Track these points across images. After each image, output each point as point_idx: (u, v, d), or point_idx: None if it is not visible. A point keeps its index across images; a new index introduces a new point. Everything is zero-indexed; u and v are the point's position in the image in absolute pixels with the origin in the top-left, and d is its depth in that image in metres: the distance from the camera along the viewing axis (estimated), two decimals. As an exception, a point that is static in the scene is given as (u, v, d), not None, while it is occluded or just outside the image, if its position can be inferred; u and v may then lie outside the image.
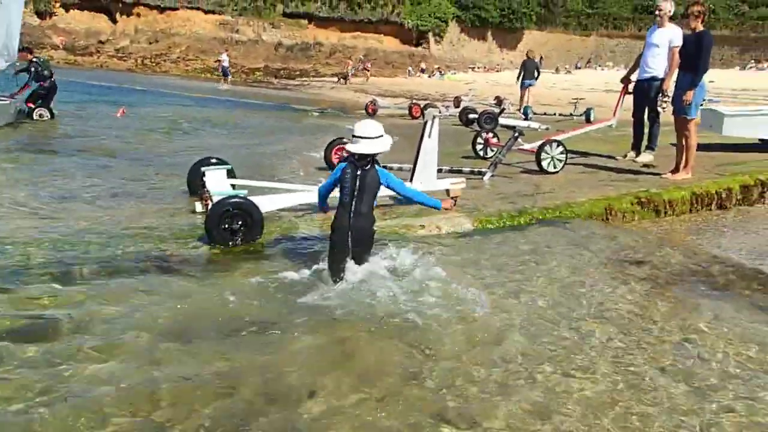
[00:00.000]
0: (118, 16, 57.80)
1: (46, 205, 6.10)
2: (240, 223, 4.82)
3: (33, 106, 12.93)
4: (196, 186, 6.27)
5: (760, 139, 10.45)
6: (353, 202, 4.07)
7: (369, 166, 4.11)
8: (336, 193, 4.28)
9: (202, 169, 6.09)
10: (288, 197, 5.73)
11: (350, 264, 4.07)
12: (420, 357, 3.25)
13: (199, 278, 4.25)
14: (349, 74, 41.75)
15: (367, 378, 3.04)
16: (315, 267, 4.24)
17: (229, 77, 35.68)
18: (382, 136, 4.13)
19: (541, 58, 59.50)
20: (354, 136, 4.11)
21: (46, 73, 13.07)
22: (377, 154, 4.15)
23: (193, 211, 5.71)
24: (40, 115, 12.92)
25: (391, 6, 58.54)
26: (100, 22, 57.97)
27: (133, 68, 50.91)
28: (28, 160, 8.61)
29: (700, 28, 7.39)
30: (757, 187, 7.38)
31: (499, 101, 18.30)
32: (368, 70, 45.80)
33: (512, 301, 4.04)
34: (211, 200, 5.26)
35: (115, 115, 14.53)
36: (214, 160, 6.40)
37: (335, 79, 43.62)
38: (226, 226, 4.79)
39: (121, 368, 3.01)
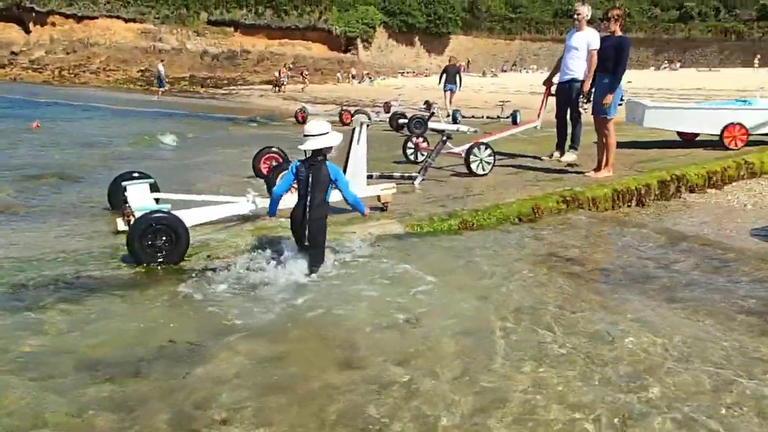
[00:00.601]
0: (31, 25, 55.40)
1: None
2: (164, 239, 4.64)
3: None
4: (117, 202, 6.03)
5: (678, 132, 10.94)
6: (308, 196, 4.44)
7: (320, 162, 4.48)
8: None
9: (123, 183, 5.85)
10: (215, 210, 5.58)
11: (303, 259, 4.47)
12: (346, 369, 3.20)
13: (121, 300, 4.06)
14: (284, 82, 41.10)
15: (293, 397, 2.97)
16: (240, 282, 4.14)
17: (163, 89, 34.34)
18: (328, 133, 4.51)
19: (468, 62, 60.82)
20: (305, 135, 4.50)
21: None
22: (327, 149, 4.53)
23: (116, 231, 5.47)
24: None
25: (318, 13, 58.51)
26: (12, 32, 55.39)
27: (50, 80, 48.96)
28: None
29: (619, 32, 7.66)
30: (674, 183, 7.70)
31: (428, 105, 18.54)
32: (306, 77, 45.39)
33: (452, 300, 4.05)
34: (134, 216, 5.06)
35: (31, 126, 13.88)
36: (136, 174, 6.19)
37: (270, 87, 43.03)
38: (150, 242, 4.61)
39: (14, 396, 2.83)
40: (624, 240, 5.72)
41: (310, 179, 4.45)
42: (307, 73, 47.45)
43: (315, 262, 4.52)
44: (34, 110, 19.40)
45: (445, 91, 19.31)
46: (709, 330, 3.68)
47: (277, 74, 42.91)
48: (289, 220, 4.64)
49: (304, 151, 4.52)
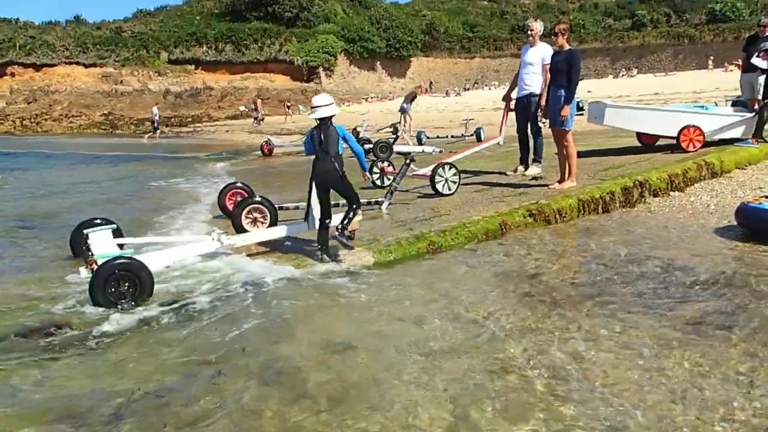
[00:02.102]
0: (-11, 77, 54.68)
1: None
2: (127, 285, 4.56)
3: None
4: (80, 250, 5.93)
5: (637, 137, 11.11)
6: (322, 153, 5.62)
7: (328, 124, 5.65)
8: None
9: (85, 231, 5.76)
10: (180, 251, 5.52)
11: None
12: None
13: (84, 352, 3.96)
14: (260, 114, 40.49)
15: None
16: (206, 322, 4.08)
17: (158, 132, 34.16)
18: (332, 103, 5.74)
19: (431, 83, 61.52)
20: (312, 107, 5.66)
21: None
22: (332, 116, 5.68)
23: (77, 277, 5.35)
24: None
25: (279, 45, 58.72)
26: (-30, 85, 54.64)
27: (12, 130, 48.27)
28: None
29: (567, 45, 7.80)
30: (637, 188, 7.78)
31: (395, 129, 18.68)
32: (289, 108, 45.18)
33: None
34: (96, 264, 4.97)
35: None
36: (98, 221, 6.10)
37: (233, 121, 42.54)
38: (113, 290, 4.52)
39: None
40: (588, 252, 5.75)
41: (322, 138, 5.61)
42: (290, 104, 47.33)
43: (351, 205, 5.80)
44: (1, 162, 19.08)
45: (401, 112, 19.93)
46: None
47: (253, 106, 42.50)
48: (312, 174, 5.74)
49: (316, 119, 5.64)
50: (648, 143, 10.94)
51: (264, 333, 4.08)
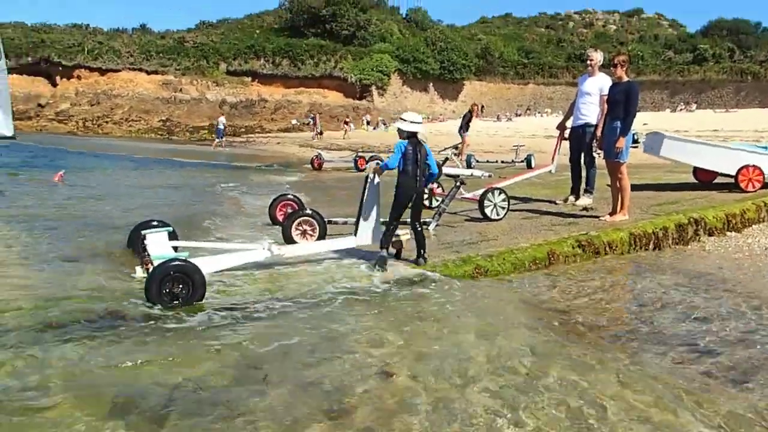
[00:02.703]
0: (58, 79, 57.09)
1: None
2: (181, 286, 4.70)
3: None
4: (137, 249, 6.13)
5: (694, 173, 10.87)
6: (417, 170, 5.87)
7: (420, 142, 5.93)
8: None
9: (143, 232, 5.96)
10: (231, 257, 5.64)
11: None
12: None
13: (139, 344, 4.09)
14: (318, 128, 41.30)
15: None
16: (255, 328, 4.16)
17: (223, 139, 35.43)
18: (423, 122, 6.16)
19: (482, 107, 61.48)
20: (411, 121, 5.94)
21: None
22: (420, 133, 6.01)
23: (136, 277, 5.54)
24: None
25: (334, 61, 59.62)
26: (40, 86, 57.10)
27: (75, 131, 50.13)
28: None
29: (625, 77, 7.74)
30: (691, 226, 7.63)
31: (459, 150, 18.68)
32: (348, 124, 45.93)
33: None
34: (152, 264, 5.14)
35: (53, 180, 14.17)
36: (155, 223, 6.29)
37: (286, 133, 43.36)
38: (167, 290, 4.67)
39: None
40: (637, 289, 5.64)
41: (418, 156, 5.84)
42: (348, 120, 48.02)
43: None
44: (60, 161, 19.80)
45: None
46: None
47: (311, 120, 43.43)
48: (400, 189, 5.94)
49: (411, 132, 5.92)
50: (705, 180, 10.69)
51: (309, 345, 4.14)
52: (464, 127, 19.46)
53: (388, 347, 4.11)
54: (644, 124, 27.64)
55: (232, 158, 26.03)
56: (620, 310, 5.15)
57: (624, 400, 3.34)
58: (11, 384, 3.42)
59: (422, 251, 6.03)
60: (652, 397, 3.39)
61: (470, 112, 19.73)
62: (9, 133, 13.20)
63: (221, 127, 35.48)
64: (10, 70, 55.20)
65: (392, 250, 6.25)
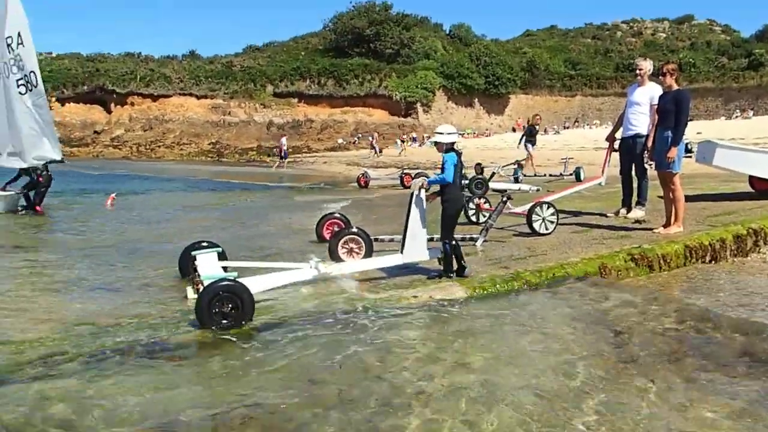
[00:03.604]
0: (112, 106, 59.24)
1: (36, 300, 6.02)
2: (230, 306, 4.76)
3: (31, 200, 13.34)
4: (187, 271, 6.25)
5: (750, 182, 10.50)
6: (460, 180, 6.08)
7: (459, 153, 6.04)
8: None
9: (193, 253, 6.08)
10: (280, 277, 5.69)
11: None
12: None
13: (191, 366, 4.15)
14: (377, 147, 42.18)
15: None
16: (305, 346, 4.17)
17: (286, 159, 36.43)
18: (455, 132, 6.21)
19: (538, 118, 60.99)
20: (448, 133, 6.01)
21: (39, 165, 13.40)
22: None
23: (187, 298, 5.65)
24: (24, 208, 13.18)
25: (378, 80, 60.08)
26: (95, 113, 59.39)
27: (129, 156, 51.78)
28: (20, 254, 8.58)
29: (675, 86, 7.55)
30: (750, 237, 7.35)
31: (519, 166, 18.59)
32: (404, 142, 46.52)
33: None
34: (202, 284, 5.22)
35: (105, 205, 14.58)
36: (205, 244, 6.41)
37: (333, 152, 44.21)
38: (217, 310, 4.73)
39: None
40: (691, 308, 5.38)
41: (461, 167, 6.04)
42: (404, 137, 48.59)
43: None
44: (114, 185, 20.46)
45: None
46: None
47: (371, 139, 44.35)
48: (449, 203, 5.99)
49: (441, 144, 6.00)
50: (762, 189, 10.29)
51: (361, 359, 4.12)
52: (530, 140, 19.12)
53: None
54: (698, 132, 26.86)
55: (282, 178, 26.40)
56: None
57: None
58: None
59: (463, 262, 6.02)
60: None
61: (533, 123, 19.40)
62: (58, 157, 13.86)
63: (284, 147, 36.53)
64: (68, 99, 57.97)
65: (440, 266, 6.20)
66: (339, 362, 4.08)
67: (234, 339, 4.58)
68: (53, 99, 56.97)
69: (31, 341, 4.56)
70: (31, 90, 13.44)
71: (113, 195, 15.34)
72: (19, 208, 13.18)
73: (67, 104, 58.49)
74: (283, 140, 38.58)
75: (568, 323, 4.91)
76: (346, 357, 4.18)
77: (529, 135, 19.15)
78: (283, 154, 36.94)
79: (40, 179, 13.32)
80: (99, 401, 3.59)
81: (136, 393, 3.69)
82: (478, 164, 18.55)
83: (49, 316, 5.36)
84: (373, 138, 43.64)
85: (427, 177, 6.71)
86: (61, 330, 4.88)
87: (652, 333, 4.64)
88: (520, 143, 19.89)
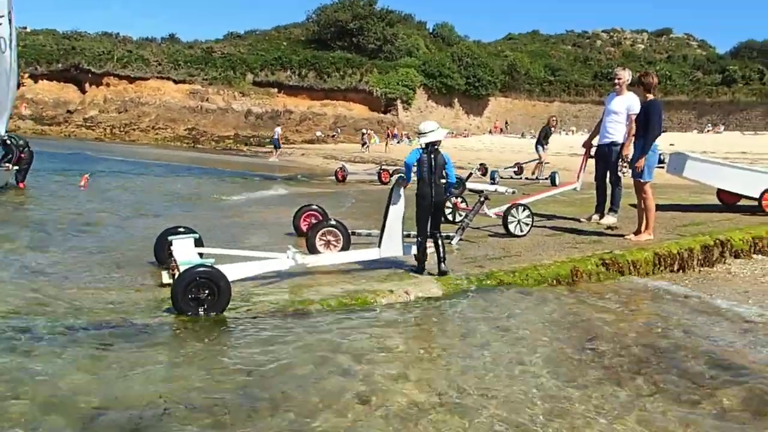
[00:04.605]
0: (87, 86, 58.18)
1: (8, 281, 5.94)
2: (207, 292, 4.76)
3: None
4: (163, 256, 6.23)
5: (718, 195, 10.74)
6: (432, 177, 5.91)
7: (437, 150, 5.97)
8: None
9: (169, 238, 6.05)
10: (256, 265, 5.71)
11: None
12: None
13: (165, 350, 4.15)
14: (368, 143, 42.03)
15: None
16: (280, 339, 4.20)
17: (279, 150, 35.84)
18: (438, 128, 6.09)
19: (506, 123, 61.42)
20: (420, 133, 6.03)
21: (21, 143, 13.22)
22: (439, 141, 6.03)
23: (161, 283, 5.64)
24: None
25: (360, 75, 59.98)
26: (69, 92, 58.28)
27: (102, 137, 50.92)
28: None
29: (649, 96, 7.72)
30: (717, 248, 7.54)
31: (519, 169, 18.58)
32: (390, 137, 46.59)
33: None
34: (178, 270, 5.21)
35: (78, 185, 14.44)
36: (181, 230, 6.38)
37: (310, 145, 44.15)
38: (193, 295, 4.73)
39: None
40: (657, 315, 5.51)
41: (433, 163, 5.90)
42: (392, 131, 48.73)
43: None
44: (88, 165, 20.16)
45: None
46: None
47: (364, 133, 44.48)
48: (418, 198, 6.00)
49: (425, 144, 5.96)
50: (729, 202, 10.58)
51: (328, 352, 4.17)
52: (542, 142, 18.79)
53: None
54: (671, 144, 27.38)
55: (258, 168, 26.22)
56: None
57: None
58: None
59: (443, 262, 6.03)
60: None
61: (548, 125, 18.99)
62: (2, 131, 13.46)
63: (276, 137, 35.70)
64: (41, 76, 56.80)
65: (414, 262, 6.27)
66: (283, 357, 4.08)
67: (205, 326, 4.60)
68: (26, 75, 55.87)
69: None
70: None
71: (87, 175, 15.15)
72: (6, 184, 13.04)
73: (40, 81, 57.34)
74: (278, 130, 37.89)
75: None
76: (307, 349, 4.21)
77: (544, 137, 18.80)
78: (276, 144, 36.32)
79: (22, 155, 13.15)
80: (45, 379, 3.57)
81: (91, 373, 3.69)
82: (482, 164, 18.63)
83: (20, 293, 5.31)
84: (365, 133, 43.76)
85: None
86: (26, 309, 4.84)
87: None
88: (540, 144, 19.21)
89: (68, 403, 3.29)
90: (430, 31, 77.08)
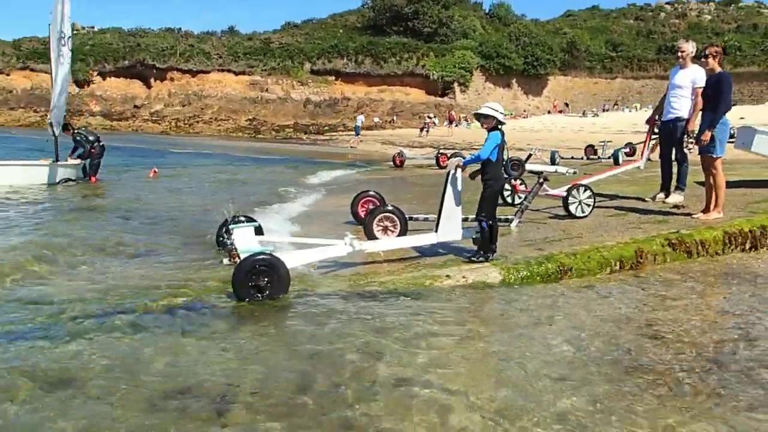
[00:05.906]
0: (152, 81, 60.15)
1: (83, 264, 6.25)
2: (266, 279, 4.86)
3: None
4: (224, 244, 6.39)
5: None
6: (501, 159, 6.02)
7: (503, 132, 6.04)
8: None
9: (230, 226, 6.20)
10: (315, 252, 5.78)
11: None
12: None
13: (222, 332, 4.27)
14: (428, 128, 42.84)
15: None
16: (338, 321, 4.25)
17: (359, 137, 37.80)
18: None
19: (566, 104, 59.79)
20: (493, 109, 6.05)
21: (92, 138, 13.76)
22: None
23: (223, 265, 5.81)
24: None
25: (416, 59, 59.71)
26: (135, 87, 60.39)
27: (167, 130, 52.60)
28: (69, 220, 8.91)
29: (718, 68, 7.37)
30: (793, 225, 7.17)
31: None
32: (452, 121, 46.78)
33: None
34: (239, 257, 5.34)
35: (148, 177, 14.99)
36: (242, 218, 6.53)
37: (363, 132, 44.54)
38: (253, 282, 4.84)
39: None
40: (730, 301, 5.27)
41: (505, 146, 6.04)
42: (452, 116, 48.87)
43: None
44: (158, 158, 20.90)
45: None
46: None
47: (428, 119, 45.14)
48: (492, 181, 5.98)
49: (490, 118, 6.01)
50: (806, 177, 10.05)
51: (400, 341, 4.19)
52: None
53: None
54: (741, 118, 26.15)
55: (317, 156, 26.54)
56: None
57: None
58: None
59: (494, 246, 5.98)
60: None
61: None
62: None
63: (359, 124, 37.29)
64: (109, 74, 59.04)
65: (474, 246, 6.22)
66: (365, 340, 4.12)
67: (267, 311, 4.70)
68: (94, 73, 58.16)
69: (75, 300, 4.82)
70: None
71: (155, 168, 15.73)
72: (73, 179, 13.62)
73: (108, 78, 59.62)
74: (361, 118, 39.56)
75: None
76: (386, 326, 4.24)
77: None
78: (357, 130, 38.20)
79: (93, 150, 13.69)
80: (130, 358, 3.75)
81: (156, 353, 3.85)
82: (555, 151, 18.11)
83: (93, 277, 5.59)
84: (430, 118, 44.20)
85: (463, 157, 6.70)
86: (99, 291, 5.11)
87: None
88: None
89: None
90: (487, 11, 75.88)
